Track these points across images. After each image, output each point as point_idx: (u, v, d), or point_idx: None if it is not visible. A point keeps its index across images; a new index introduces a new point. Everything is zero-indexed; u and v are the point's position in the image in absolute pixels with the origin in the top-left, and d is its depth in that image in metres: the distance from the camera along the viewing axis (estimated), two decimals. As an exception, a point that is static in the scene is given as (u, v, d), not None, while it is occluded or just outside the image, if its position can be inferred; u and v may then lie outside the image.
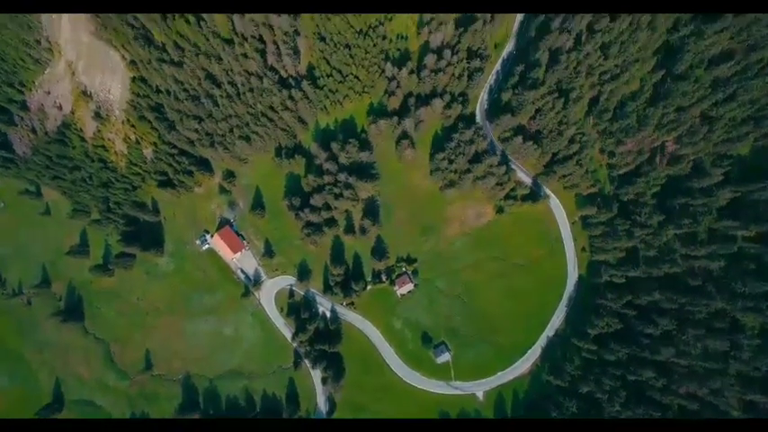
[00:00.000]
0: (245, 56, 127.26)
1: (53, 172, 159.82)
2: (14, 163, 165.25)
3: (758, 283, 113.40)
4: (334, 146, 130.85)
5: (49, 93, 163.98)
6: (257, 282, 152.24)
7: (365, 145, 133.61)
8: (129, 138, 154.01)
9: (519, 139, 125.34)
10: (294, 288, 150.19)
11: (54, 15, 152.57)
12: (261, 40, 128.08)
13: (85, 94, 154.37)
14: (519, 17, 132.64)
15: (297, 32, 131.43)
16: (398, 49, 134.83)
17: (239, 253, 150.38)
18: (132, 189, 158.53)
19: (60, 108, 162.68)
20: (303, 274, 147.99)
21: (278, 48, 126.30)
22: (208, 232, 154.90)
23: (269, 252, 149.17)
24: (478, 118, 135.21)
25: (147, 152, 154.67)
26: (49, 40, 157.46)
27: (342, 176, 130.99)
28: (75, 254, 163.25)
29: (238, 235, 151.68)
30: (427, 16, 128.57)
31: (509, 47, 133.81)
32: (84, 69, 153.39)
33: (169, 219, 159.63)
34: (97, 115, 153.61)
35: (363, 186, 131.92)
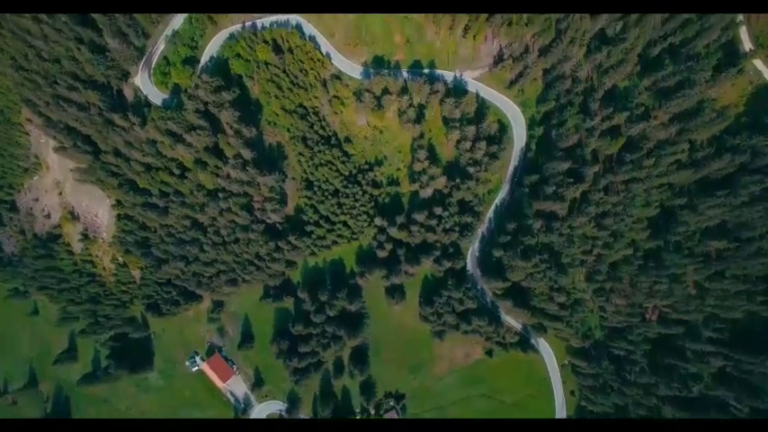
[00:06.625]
0: (229, 210, 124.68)
1: (40, 283, 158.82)
2: (2, 262, 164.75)
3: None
4: (322, 297, 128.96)
5: (37, 200, 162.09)
6: (247, 406, 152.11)
7: (354, 293, 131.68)
8: (117, 259, 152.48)
9: (509, 302, 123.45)
10: (284, 414, 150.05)
11: (42, 138, 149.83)
12: (246, 194, 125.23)
13: (73, 216, 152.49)
14: (512, 164, 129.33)
15: (284, 177, 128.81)
16: (389, 195, 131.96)
17: (229, 380, 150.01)
18: (121, 305, 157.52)
19: (49, 217, 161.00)
20: (292, 402, 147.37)
21: (264, 202, 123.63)
22: (198, 354, 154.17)
23: (258, 381, 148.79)
24: (469, 266, 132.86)
25: (135, 273, 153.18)
26: (37, 156, 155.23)
27: (330, 329, 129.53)
28: (62, 361, 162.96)
29: (228, 360, 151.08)
30: (418, 168, 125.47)
31: (502, 193, 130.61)
32: (72, 191, 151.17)
33: (159, 335, 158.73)
34: (84, 236, 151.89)
35: (352, 341, 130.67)
